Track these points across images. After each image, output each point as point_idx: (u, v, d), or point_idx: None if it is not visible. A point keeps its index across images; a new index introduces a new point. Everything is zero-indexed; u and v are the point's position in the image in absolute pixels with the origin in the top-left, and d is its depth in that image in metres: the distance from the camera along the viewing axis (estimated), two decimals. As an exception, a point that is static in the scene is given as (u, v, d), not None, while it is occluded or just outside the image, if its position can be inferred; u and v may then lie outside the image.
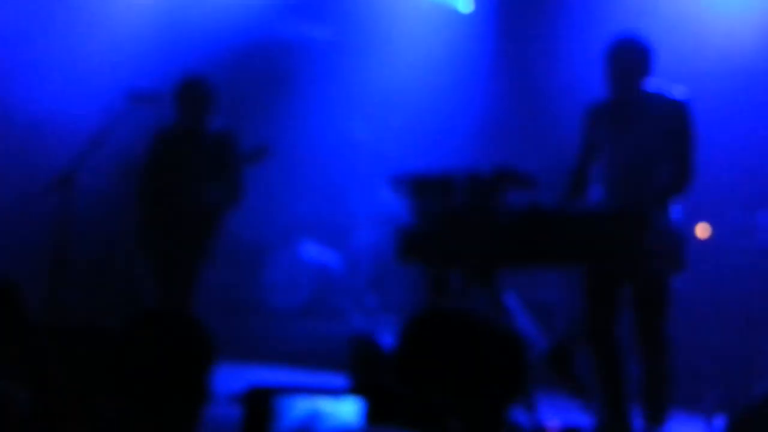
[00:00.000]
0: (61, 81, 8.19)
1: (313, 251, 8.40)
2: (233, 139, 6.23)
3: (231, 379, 5.96)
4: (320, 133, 8.96)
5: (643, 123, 4.95)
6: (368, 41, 8.92)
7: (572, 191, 5.14)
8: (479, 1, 9.03)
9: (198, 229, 6.09)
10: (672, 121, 4.93)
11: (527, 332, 5.13)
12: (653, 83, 5.03)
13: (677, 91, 5.02)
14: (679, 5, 8.13)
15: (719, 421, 5.04)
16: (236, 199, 6.21)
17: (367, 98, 8.93)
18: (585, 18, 8.14)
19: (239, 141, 6.25)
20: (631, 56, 4.96)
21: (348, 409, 2.71)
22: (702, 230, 6.94)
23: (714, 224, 6.99)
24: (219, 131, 6.24)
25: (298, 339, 7.73)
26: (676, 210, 4.98)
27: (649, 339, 4.88)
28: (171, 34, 8.27)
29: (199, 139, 6.18)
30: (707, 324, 6.57)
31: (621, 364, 4.93)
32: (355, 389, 5.01)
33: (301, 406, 2.74)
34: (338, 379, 5.15)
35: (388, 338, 4.81)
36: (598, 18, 7.76)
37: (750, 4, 8.15)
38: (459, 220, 4.97)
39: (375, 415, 2.59)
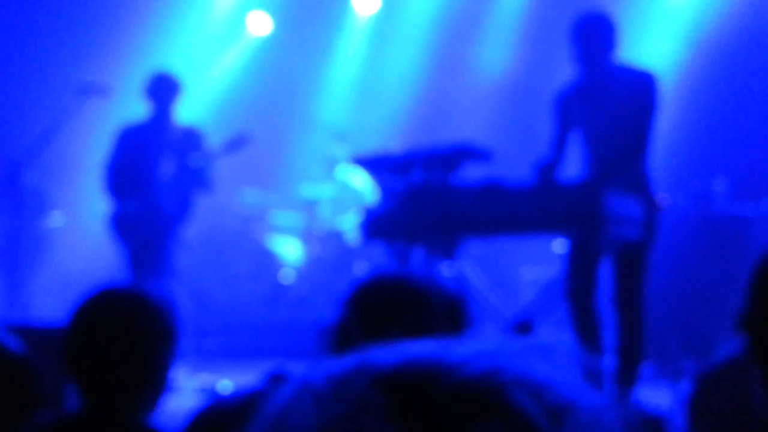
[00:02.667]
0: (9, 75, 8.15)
1: (275, 239, 8.41)
2: (201, 132, 6.27)
3: (196, 371, 6.03)
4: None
5: (612, 98, 5.01)
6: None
7: (547, 173, 5.19)
8: None
9: (169, 220, 6.12)
10: (638, 94, 4.98)
11: (489, 303, 5.21)
12: (620, 57, 5.10)
13: (643, 65, 5.11)
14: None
15: (685, 383, 5.14)
16: (207, 190, 6.24)
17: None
18: None
19: (206, 133, 6.28)
20: (597, 32, 5.00)
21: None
22: (661, 200, 7.03)
23: (672, 193, 7.10)
24: (187, 125, 6.28)
25: (263, 329, 7.77)
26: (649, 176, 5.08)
27: (624, 305, 4.98)
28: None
29: (169, 132, 6.20)
30: (668, 291, 6.68)
31: (597, 325, 5.04)
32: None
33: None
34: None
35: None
36: None
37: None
38: (419, 196, 5.04)
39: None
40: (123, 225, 6.15)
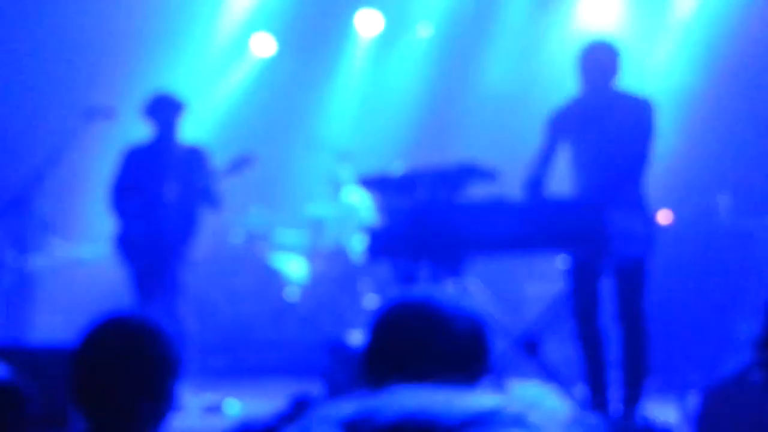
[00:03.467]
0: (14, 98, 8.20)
1: (280, 257, 8.43)
2: (205, 151, 6.28)
3: (202, 390, 6.04)
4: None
5: (610, 122, 5.11)
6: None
7: (531, 191, 5.26)
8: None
9: (175, 240, 6.13)
10: (636, 120, 5.08)
11: (496, 320, 5.22)
12: (619, 83, 5.19)
13: (642, 91, 5.21)
14: None
15: (692, 399, 5.15)
16: (215, 209, 6.26)
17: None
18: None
19: (210, 152, 6.30)
20: (604, 58, 5.12)
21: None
22: (664, 216, 7.07)
23: (675, 210, 7.13)
24: (191, 144, 6.30)
25: (268, 346, 7.77)
26: (647, 195, 5.13)
27: (628, 321, 5.02)
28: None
29: (172, 152, 6.22)
30: (673, 306, 6.69)
31: (603, 346, 5.07)
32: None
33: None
34: (312, 387, 5.21)
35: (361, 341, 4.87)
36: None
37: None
38: (424, 215, 5.07)
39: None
40: (129, 246, 6.16)
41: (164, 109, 6.19)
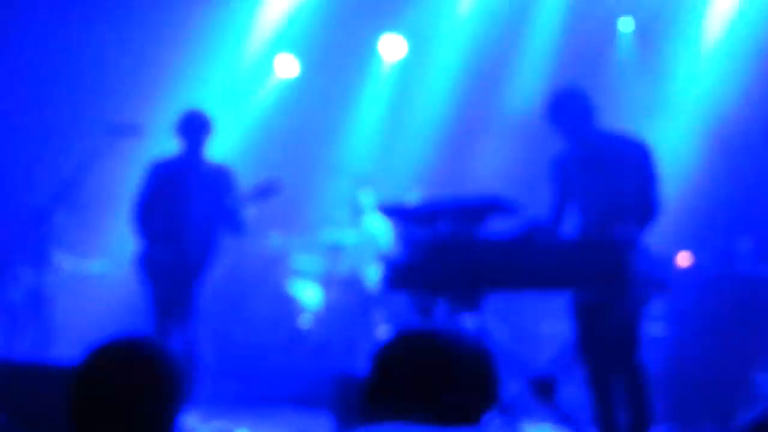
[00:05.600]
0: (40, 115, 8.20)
1: (296, 284, 8.36)
2: (233, 171, 6.22)
3: (212, 417, 5.97)
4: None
5: (609, 165, 5.14)
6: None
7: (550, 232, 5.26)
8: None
9: (198, 263, 6.05)
10: (636, 162, 5.11)
11: (511, 358, 5.16)
12: (604, 125, 5.21)
13: (632, 134, 5.25)
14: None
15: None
16: (239, 234, 6.19)
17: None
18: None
19: (237, 174, 6.24)
20: (567, 105, 5.17)
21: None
22: (683, 258, 6.99)
23: (695, 252, 7.06)
24: (219, 164, 6.25)
25: (281, 375, 7.69)
26: (650, 240, 5.12)
27: (628, 368, 4.97)
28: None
29: (199, 170, 6.15)
30: (690, 352, 6.60)
31: (612, 395, 5.01)
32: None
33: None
34: (322, 419, 5.14)
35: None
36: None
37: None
38: (445, 248, 5.01)
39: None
40: (151, 267, 6.06)
41: (194, 127, 6.15)
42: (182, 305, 5.98)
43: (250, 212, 6.17)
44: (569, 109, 5.16)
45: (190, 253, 6.02)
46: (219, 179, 6.15)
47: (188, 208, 6.06)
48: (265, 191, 6.07)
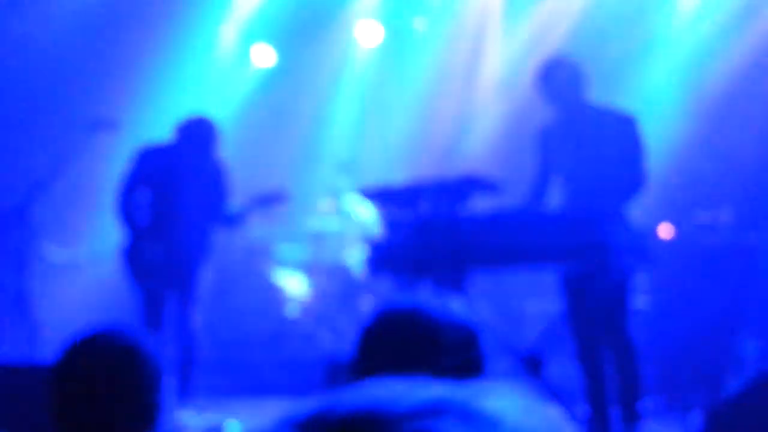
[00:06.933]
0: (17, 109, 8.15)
1: (280, 273, 8.35)
2: (226, 169, 6.02)
3: (202, 409, 5.96)
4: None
5: (596, 137, 5.17)
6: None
7: (533, 204, 5.29)
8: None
9: (194, 257, 5.86)
10: (624, 135, 5.15)
11: (497, 337, 5.17)
12: (594, 99, 5.24)
13: (623, 108, 5.31)
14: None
15: (695, 418, 5.10)
16: (229, 227, 6.09)
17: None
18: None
19: (231, 173, 6.06)
20: (557, 74, 5.18)
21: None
22: (665, 231, 7.02)
23: (677, 224, 7.09)
24: (215, 161, 6.01)
25: (269, 365, 7.67)
26: (632, 213, 5.15)
27: (617, 341, 4.99)
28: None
29: (195, 161, 5.91)
30: (675, 323, 6.64)
31: (603, 369, 5.04)
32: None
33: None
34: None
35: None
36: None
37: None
38: (427, 229, 5.01)
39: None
40: (138, 265, 5.79)
41: (198, 134, 5.88)
42: (181, 299, 5.81)
43: (253, 218, 6.08)
44: (559, 78, 5.17)
45: (182, 250, 5.79)
46: (215, 174, 5.95)
47: (180, 200, 5.81)
48: (270, 200, 5.98)
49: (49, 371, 2.06)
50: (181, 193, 5.83)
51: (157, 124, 7.58)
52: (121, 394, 2.01)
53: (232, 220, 6.01)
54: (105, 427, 2.00)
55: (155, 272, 5.78)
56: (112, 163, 6.44)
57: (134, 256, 5.81)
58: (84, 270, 8.18)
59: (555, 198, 5.33)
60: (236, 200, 6.09)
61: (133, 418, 2.02)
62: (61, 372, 2.04)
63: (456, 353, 1.84)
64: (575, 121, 5.20)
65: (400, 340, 1.85)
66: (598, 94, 5.34)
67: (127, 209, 5.78)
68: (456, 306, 1.91)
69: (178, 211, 5.83)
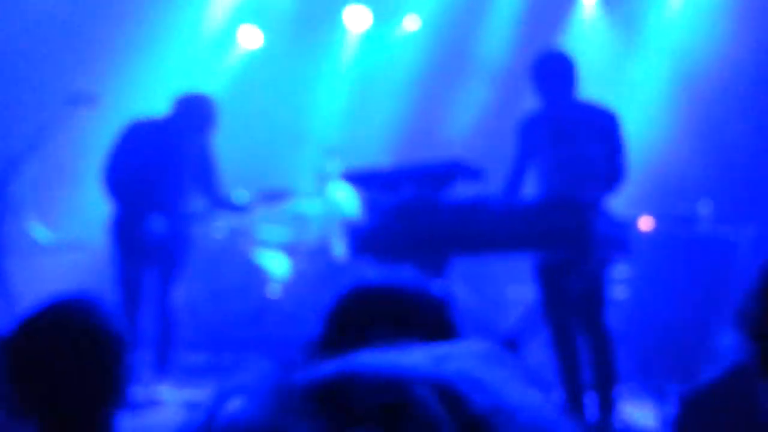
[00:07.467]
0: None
1: (262, 254, 8.37)
2: (213, 151, 6.04)
3: (181, 386, 5.99)
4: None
5: (580, 132, 5.23)
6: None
7: (509, 193, 5.34)
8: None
9: (179, 236, 5.88)
10: (606, 131, 5.23)
11: (477, 322, 5.23)
12: (580, 94, 5.29)
13: (606, 104, 5.34)
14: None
15: (670, 405, 5.17)
16: (221, 209, 6.12)
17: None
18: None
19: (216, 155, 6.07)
20: (558, 69, 5.23)
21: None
22: (645, 223, 7.09)
23: (656, 216, 7.16)
24: (206, 140, 6.02)
25: (249, 344, 7.70)
26: (613, 204, 5.22)
27: (593, 328, 5.05)
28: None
29: (188, 139, 5.88)
30: (652, 312, 6.71)
31: (578, 350, 5.09)
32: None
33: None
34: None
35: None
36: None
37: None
38: (409, 213, 5.05)
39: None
40: (126, 239, 5.77)
41: (201, 116, 5.87)
42: (159, 277, 5.83)
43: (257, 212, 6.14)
44: (553, 71, 5.22)
45: (168, 226, 5.81)
46: (206, 153, 5.95)
47: (172, 176, 5.80)
48: (274, 197, 6.06)
49: (3, 342, 2.00)
50: (171, 169, 5.82)
51: (139, 99, 7.59)
52: (79, 365, 1.95)
53: (239, 210, 6.10)
54: (61, 398, 1.94)
55: (142, 247, 5.77)
56: (92, 139, 6.43)
57: (122, 230, 5.80)
58: (65, 247, 8.17)
59: (531, 188, 5.38)
60: (227, 184, 6.14)
61: (93, 390, 1.97)
62: (15, 344, 1.98)
63: (427, 329, 1.78)
64: (561, 115, 5.26)
65: (369, 318, 1.79)
66: (583, 88, 5.39)
67: (116, 182, 5.74)
68: (427, 281, 1.87)
69: (167, 188, 5.82)
